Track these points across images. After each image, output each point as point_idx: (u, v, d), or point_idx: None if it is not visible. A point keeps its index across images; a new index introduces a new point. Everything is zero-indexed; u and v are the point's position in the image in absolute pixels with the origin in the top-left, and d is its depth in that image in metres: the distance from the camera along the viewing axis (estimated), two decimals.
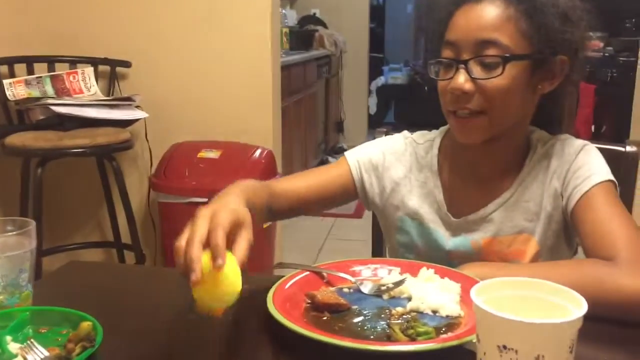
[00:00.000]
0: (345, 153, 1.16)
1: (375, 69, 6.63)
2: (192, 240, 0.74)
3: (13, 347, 0.77)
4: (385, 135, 1.31)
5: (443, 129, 1.15)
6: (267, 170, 2.49)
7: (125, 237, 2.58)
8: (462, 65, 0.96)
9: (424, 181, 1.11)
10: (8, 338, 0.79)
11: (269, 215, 1.03)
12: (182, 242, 0.76)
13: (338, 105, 5.73)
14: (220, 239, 0.74)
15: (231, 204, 0.82)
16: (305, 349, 0.77)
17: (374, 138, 1.33)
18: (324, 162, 5.22)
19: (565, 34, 0.97)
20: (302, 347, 0.77)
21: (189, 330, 0.85)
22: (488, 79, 0.96)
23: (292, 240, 3.24)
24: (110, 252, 2.79)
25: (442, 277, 0.91)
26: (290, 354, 0.79)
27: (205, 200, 2.57)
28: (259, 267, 2.50)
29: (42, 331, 0.83)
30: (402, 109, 6.62)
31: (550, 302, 0.63)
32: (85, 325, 0.78)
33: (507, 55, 0.95)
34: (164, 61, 2.61)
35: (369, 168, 1.14)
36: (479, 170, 1.08)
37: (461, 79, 0.96)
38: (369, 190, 1.14)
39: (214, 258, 0.72)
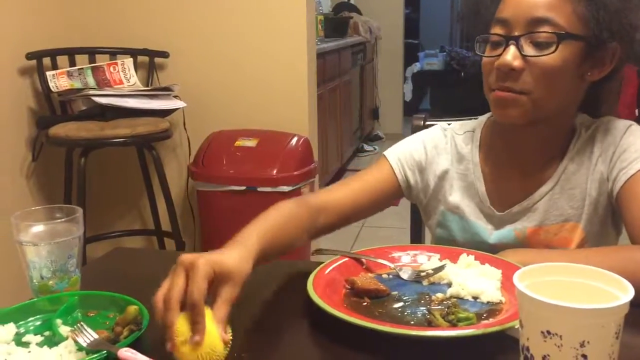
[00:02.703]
0: (385, 153, 1.14)
1: (410, 55, 6.56)
2: (169, 303, 0.71)
3: (63, 330, 0.80)
4: (423, 123, 1.31)
5: (482, 118, 1.14)
6: (303, 157, 2.50)
7: (166, 225, 2.63)
8: (513, 42, 0.95)
9: (465, 173, 1.10)
10: (58, 321, 0.82)
11: (312, 235, 1.02)
12: (159, 297, 0.72)
13: (373, 92, 5.70)
14: (198, 313, 0.70)
15: (223, 254, 0.78)
16: (346, 334, 0.78)
17: (410, 125, 1.31)
18: (359, 150, 5.21)
19: (625, 19, 0.95)
20: (342, 332, 0.78)
21: (229, 315, 0.86)
22: (539, 56, 0.94)
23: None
24: (151, 240, 2.85)
25: (482, 264, 0.91)
26: (331, 339, 0.79)
27: (242, 188, 2.60)
28: (296, 254, 2.52)
29: (91, 315, 0.86)
30: (437, 96, 6.55)
31: (596, 288, 0.62)
32: (132, 309, 0.81)
33: (562, 32, 0.93)
34: (201, 51, 2.63)
35: (412, 165, 1.12)
36: (522, 159, 1.06)
37: (510, 55, 0.94)
38: (413, 188, 1.13)
39: (193, 332, 0.69)
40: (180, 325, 0.70)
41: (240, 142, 2.49)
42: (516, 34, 0.95)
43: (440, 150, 1.12)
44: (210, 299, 0.74)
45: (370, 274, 0.92)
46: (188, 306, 0.71)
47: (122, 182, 2.79)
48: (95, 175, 2.67)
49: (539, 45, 0.94)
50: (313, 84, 2.73)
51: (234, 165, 2.44)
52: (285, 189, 2.39)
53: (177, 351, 0.70)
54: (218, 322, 0.72)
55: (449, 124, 1.16)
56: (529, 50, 0.94)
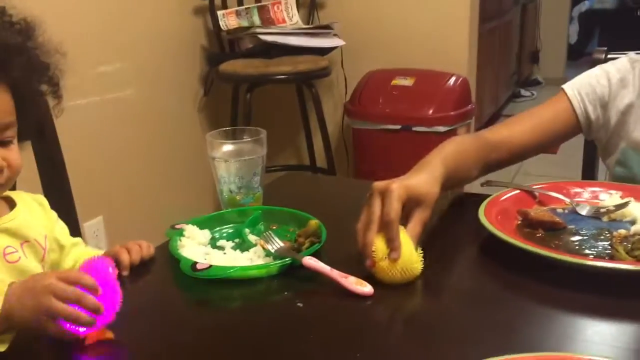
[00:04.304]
0: (564, 86, 1.09)
1: None
2: (368, 225, 0.77)
3: (251, 238, 0.89)
4: (605, 57, 1.22)
5: None
6: (461, 98, 2.44)
7: (320, 162, 2.73)
8: None
9: None
10: (246, 230, 0.90)
11: (485, 169, 1.01)
12: (360, 224, 0.79)
13: (534, 33, 5.35)
14: (394, 232, 0.76)
15: (412, 179, 0.83)
16: (518, 262, 0.78)
17: (575, 70, 1.23)
18: (515, 95, 4.96)
19: None
20: (514, 261, 0.78)
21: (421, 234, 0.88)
22: None
23: None
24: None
25: None
26: (502, 266, 0.80)
27: (397, 127, 2.61)
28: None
29: (273, 228, 0.93)
30: (607, 38, 5.97)
31: None
32: (313, 223, 0.87)
33: None
34: None
35: (593, 99, 1.06)
36: None
37: None
38: (594, 123, 1.07)
39: (390, 250, 0.75)
40: (378, 244, 0.76)
41: (397, 81, 2.48)
42: None
43: (626, 83, 1.05)
44: (404, 220, 0.79)
45: (544, 207, 0.91)
46: (384, 225, 0.77)
47: (282, 119, 2.92)
48: (257, 111, 2.81)
49: None
50: (475, 21, 2.63)
51: (389, 104, 2.45)
52: (441, 129, 2.36)
53: (376, 267, 0.75)
54: (412, 240, 0.77)
55: (638, 54, 1.08)
56: None
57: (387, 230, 0.76)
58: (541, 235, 0.84)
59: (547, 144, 1.08)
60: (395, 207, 0.77)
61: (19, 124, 0.77)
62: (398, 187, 0.79)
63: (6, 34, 0.76)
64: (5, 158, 0.75)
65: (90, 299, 0.64)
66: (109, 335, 0.67)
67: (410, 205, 0.81)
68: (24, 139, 0.83)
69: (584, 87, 1.07)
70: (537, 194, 0.94)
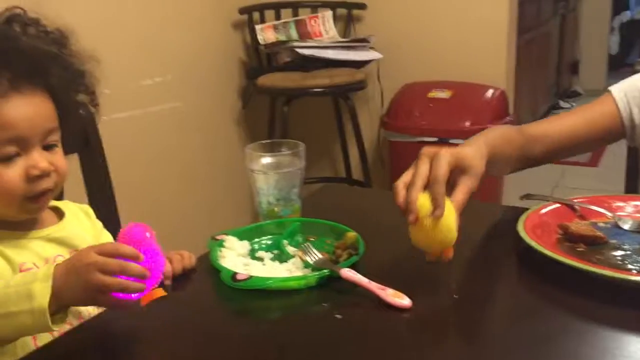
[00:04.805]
0: (610, 88, 1.07)
1: (620, 3, 5.92)
2: (413, 183, 0.78)
3: (289, 249, 0.90)
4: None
5: None
6: (498, 111, 2.42)
7: (356, 174, 2.73)
8: None
9: None
10: (285, 242, 0.92)
11: (524, 162, 1.00)
12: (401, 182, 0.80)
13: (574, 44, 5.27)
14: (440, 190, 0.76)
15: (460, 148, 0.83)
16: (558, 277, 0.77)
17: (616, 81, 1.21)
18: (554, 107, 4.89)
19: None
20: (553, 275, 0.77)
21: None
22: None
23: (517, 187, 3.12)
24: None
25: None
26: (541, 280, 0.79)
27: (434, 139, 2.60)
28: (487, 197, 2.48)
29: (310, 239, 0.94)
30: None
31: None
32: (351, 235, 0.88)
33: None
34: (398, 2, 2.64)
35: (639, 103, 1.04)
36: None
37: None
38: (638, 127, 1.05)
39: (434, 207, 0.75)
40: (422, 201, 0.76)
41: (434, 94, 2.48)
42: None
43: None
44: (449, 189, 0.79)
45: (585, 221, 0.89)
46: (431, 184, 0.77)
47: (318, 131, 2.94)
48: (294, 124, 2.84)
49: None
50: (513, 32, 2.61)
51: (426, 116, 2.44)
52: None
53: (418, 224, 0.76)
54: (456, 207, 0.78)
55: None
56: None
57: (433, 188, 0.77)
58: (582, 250, 0.82)
59: (588, 144, 1.06)
60: (443, 168, 0.78)
61: (62, 133, 0.80)
62: (447, 151, 0.80)
63: (42, 42, 0.79)
64: (51, 162, 0.77)
65: (134, 266, 0.66)
66: (162, 293, 0.69)
67: (457, 172, 0.81)
68: (71, 150, 0.85)
69: (631, 90, 1.05)
70: (577, 207, 0.93)
